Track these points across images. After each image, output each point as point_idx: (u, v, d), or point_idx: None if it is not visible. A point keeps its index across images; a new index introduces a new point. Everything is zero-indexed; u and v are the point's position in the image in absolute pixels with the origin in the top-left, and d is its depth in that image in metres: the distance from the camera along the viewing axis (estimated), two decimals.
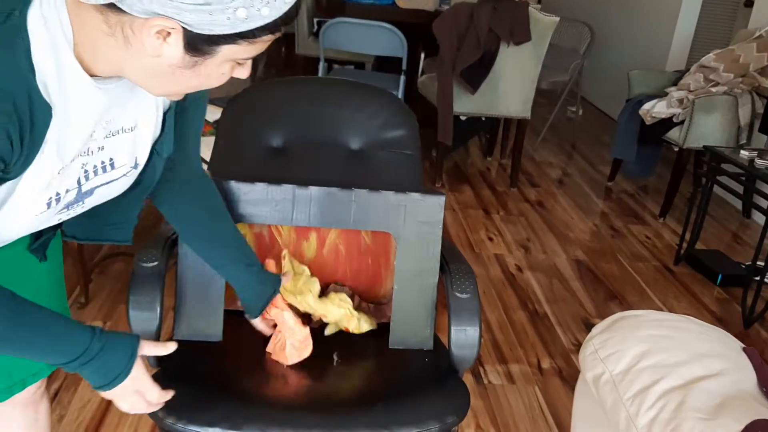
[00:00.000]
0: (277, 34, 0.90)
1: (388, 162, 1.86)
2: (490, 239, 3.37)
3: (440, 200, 1.52)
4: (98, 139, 0.98)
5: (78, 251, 2.34)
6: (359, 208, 1.52)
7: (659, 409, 1.15)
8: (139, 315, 1.35)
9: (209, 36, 0.84)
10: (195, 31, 0.83)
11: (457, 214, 3.63)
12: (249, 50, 0.89)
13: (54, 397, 2.00)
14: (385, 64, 4.54)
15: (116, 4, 0.80)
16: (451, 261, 1.56)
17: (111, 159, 1.02)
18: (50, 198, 0.95)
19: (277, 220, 1.50)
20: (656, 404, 1.16)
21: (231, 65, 0.92)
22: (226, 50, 0.87)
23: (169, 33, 0.83)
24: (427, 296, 1.54)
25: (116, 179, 1.06)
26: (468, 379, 2.28)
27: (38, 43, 0.83)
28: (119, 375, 1.04)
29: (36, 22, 0.83)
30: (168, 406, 1.28)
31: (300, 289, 1.58)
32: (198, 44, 0.85)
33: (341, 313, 1.56)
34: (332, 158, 1.86)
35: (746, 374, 1.21)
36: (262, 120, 1.83)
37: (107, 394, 1.06)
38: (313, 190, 1.50)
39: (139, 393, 1.09)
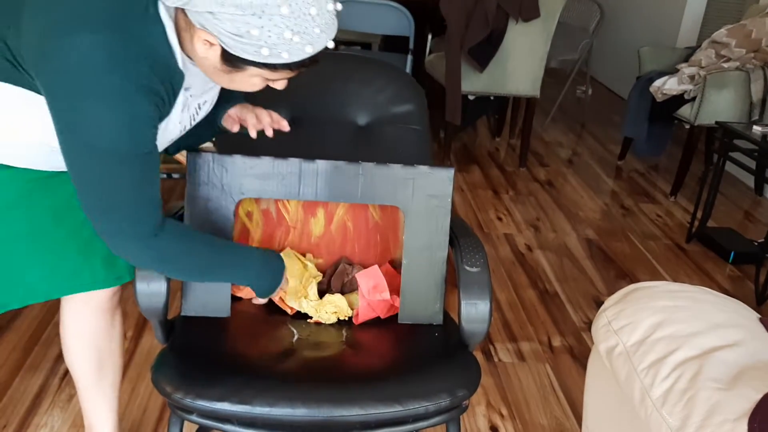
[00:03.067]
0: (296, 72, 1.13)
1: (395, 137, 1.84)
2: (500, 219, 3.34)
3: (449, 173, 1.50)
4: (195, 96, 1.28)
5: None
6: (367, 181, 1.49)
7: (675, 380, 1.13)
8: (146, 289, 1.34)
9: (239, 56, 1.07)
10: (229, 50, 1.07)
11: (466, 194, 3.60)
12: (272, 75, 1.13)
13: (63, 377, 1.99)
14: (392, 44, 4.49)
15: (184, 9, 1.06)
16: (460, 235, 1.54)
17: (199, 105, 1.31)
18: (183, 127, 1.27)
19: (284, 194, 1.48)
20: (671, 375, 1.14)
21: (261, 79, 1.15)
22: (253, 70, 1.11)
23: (212, 44, 1.08)
24: (436, 271, 1.52)
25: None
26: (478, 357, 2.26)
27: (168, 28, 1.11)
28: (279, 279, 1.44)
29: (163, 13, 1.10)
30: (176, 382, 1.27)
31: (299, 289, 1.58)
32: (231, 59, 1.09)
33: (334, 318, 1.56)
34: (339, 134, 1.83)
35: (764, 344, 1.19)
36: (268, 96, 1.80)
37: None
38: (320, 164, 1.48)
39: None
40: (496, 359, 2.27)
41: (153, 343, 2.17)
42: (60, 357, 2.07)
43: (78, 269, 1.39)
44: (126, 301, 2.36)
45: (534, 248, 3.08)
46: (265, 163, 1.46)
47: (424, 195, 1.49)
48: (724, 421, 1.03)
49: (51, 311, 2.29)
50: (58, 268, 1.37)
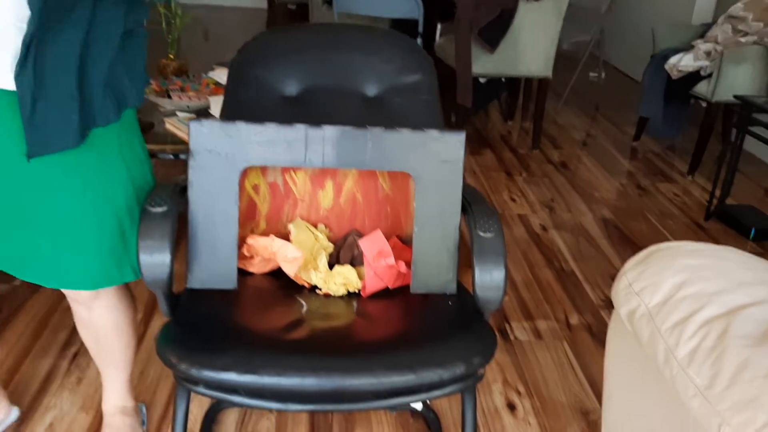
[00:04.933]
0: None
1: (405, 108, 1.79)
2: (513, 200, 3.29)
3: (460, 137, 1.45)
4: None
5: None
6: (375, 147, 1.45)
7: (701, 339, 1.07)
8: (149, 260, 1.29)
9: None
10: None
11: (479, 176, 3.54)
12: None
13: (72, 360, 1.96)
14: (401, 29, 4.43)
15: None
16: (473, 202, 1.49)
17: None
18: None
19: (290, 161, 1.43)
20: (697, 333, 1.08)
21: None
22: None
23: None
24: (449, 239, 1.47)
25: None
26: None
27: None
28: None
29: None
30: (181, 353, 1.23)
31: (309, 260, 1.56)
32: None
33: (343, 290, 1.52)
34: (348, 106, 1.78)
35: None
36: (274, 68, 1.76)
37: None
38: (327, 130, 1.44)
39: None
40: (512, 338, 2.22)
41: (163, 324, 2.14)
42: (69, 341, 2.05)
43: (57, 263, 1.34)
44: (136, 284, 2.34)
45: (549, 228, 3.02)
46: (270, 129, 1.42)
47: (435, 160, 1.45)
48: (754, 378, 0.97)
49: (61, 296, 2.26)
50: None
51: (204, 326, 1.32)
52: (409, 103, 1.79)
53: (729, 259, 1.22)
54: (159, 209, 1.34)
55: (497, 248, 1.37)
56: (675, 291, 1.17)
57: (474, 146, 3.98)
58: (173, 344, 1.26)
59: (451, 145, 1.45)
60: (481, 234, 1.39)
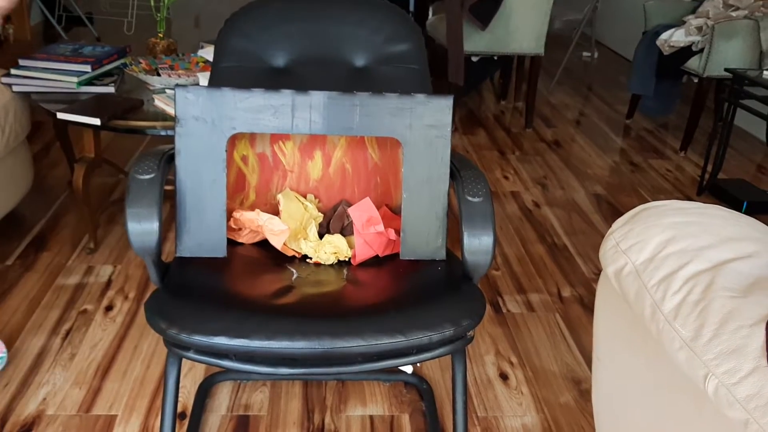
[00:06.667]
0: None
1: (394, 78, 1.78)
2: (506, 178, 3.29)
3: (448, 101, 1.45)
4: None
5: (85, 198, 2.30)
6: (363, 112, 1.44)
7: (687, 292, 1.08)
8: (137, 227, 1.29)
9: None
10: None
11: (472, 155, 3.54)
12: None
13: (65, 337, 1.96)
14: None
15: None
16: (461, 167, 1.49)
17: None
18: None
19: (276, 127, 1.43)
20: (683, 288, 1.09)
21: None
22: None
23: None
24: (437, 204, 1.47)
25: None
26: (486, 309, 2.22)
27: None
28: None
29: None
30: (171, 318, 1.23)
31: (299, 230, 1.56)
32: None
33: (333, 258, 1.53)
34: (336, 76, 1.78)
35: None
36: (261, 39, 1.76)
37: None
38: (314, 95, 1.43)
39: None
40: (504, 310, 2.22)
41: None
42: (61, 318, 2.05)
43: None
44: (129, 263, 2.35)
45: (542, 205, 3.02)
46: (257, 96, 1.41)
47: (422, 125, 1.44)
48: (739, 327, 0.98)
49: (53, 274, 2.26)
50: None
51: (194, 293, 1.32)
52: (398, 72, 1.79)
53: (715, 216, 1.22)
54: (146, 176, 1.34)
55: (486, 212, 1.37)
56: (661, 248, 1.17)
57: (467, 126, 3.97)
58: (163, 310, 1.26)
59: (439, 109, 1.45)
60: (470, 198, 1.39)
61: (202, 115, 1.39)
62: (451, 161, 1.49)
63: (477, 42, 3.67)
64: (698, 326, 1.02)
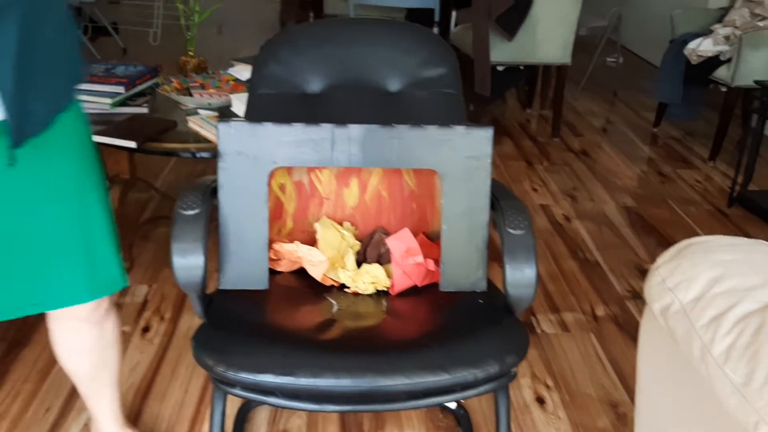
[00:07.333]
0: None
1: (429, 103, 1.78)
2: (535, 190, 3.27)
3: (488, 132, 1.45)
4: None
5: (120, 216, 2.32)
6: (402, 145, 1.45)
7: (737, 335, 1.07)
8: (183, 262, 1.31)
9: None
10: None
11: (499, 166, 3.53)
12: None
13: None
14: (417, 19, 4.42)
15: None
16: (501, 197, 1.48)
17: None
18: None
19: (317, 161, 1.44)
20: (733, 330, 1.08)
21: None
22: None
23: None
24: (477, 236, 1.47)
25: None
26: None
27: None
28: None
29: None
30: (217, 355, 1.25)
31: (337, 258, 1.57)
32: None
33: (372, 289, 1.53)
34: (371, 102, 1.78)
35: None
36: (296, 65, 1.76)
37: None
38: (353, 129, 1.44)
39: None
40: (539, 330, 2.22)
41: (192, 323, 2.16)
42: None
43: (54, 283, 1.30)
44: (164, 282, 2.36)
45: (572, 218, 3.01)
46: (297, 130, 1.42)
47: (462, 156, 1.44)
48: None
49: None
50: (37, 282, 1.29)
51: (238, 328, 1.33)
52: (433, 97, 1.79)
53: (762, 253, 1.21)
54: (191, 212, 1.35)
55: (528, 245, 1.37)
56: (710, 287, 1.16)
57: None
58: (209, 347, 1.27)
59: (479, 141, 1.45)
60: (511, 231, 1.38)
61: (245, 150, 1.40)
62: (492, 191, 1.49)
63: (503, 52, 3.66)
64: (749, 372, 1.02)
